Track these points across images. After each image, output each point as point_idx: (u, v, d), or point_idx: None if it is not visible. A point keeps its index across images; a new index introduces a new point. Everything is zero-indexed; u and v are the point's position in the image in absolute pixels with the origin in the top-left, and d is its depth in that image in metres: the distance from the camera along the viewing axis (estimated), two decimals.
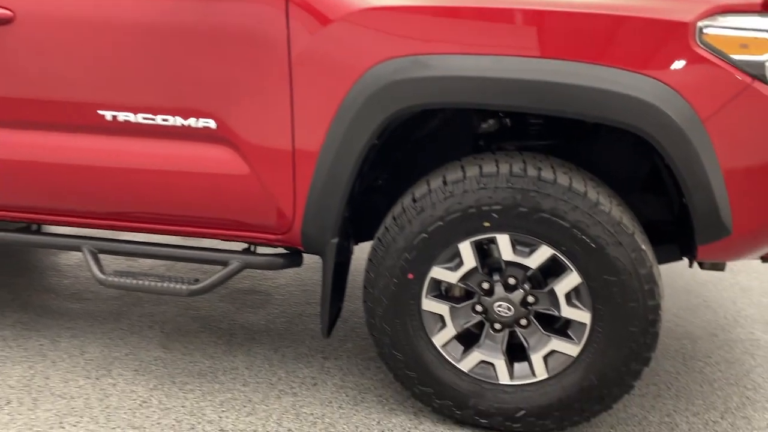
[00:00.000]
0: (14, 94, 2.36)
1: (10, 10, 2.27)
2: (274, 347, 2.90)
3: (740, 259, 2.22)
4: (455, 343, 2.30)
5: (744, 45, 1.88)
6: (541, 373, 2.24)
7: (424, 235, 2.16)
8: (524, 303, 2.20)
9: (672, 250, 2.51)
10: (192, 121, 2.26)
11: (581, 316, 2.16)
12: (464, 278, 2.22)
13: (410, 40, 2.04)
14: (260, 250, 2.56)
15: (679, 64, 1.90)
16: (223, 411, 2.44)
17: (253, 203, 2.33)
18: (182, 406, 2.46)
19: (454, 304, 2.26)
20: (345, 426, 2.37)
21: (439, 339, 2.29)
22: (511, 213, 2.08)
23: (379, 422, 2.39)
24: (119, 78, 2.27)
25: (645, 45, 1.92)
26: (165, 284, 2.45)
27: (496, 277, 2.21)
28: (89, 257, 2.52)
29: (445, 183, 2.15)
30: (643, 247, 2.07)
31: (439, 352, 2.29)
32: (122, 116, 2.29)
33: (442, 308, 2.26)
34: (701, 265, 2.46)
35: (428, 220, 2.15)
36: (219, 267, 2.47)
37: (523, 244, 2.15)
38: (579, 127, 2.45)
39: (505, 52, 1.99)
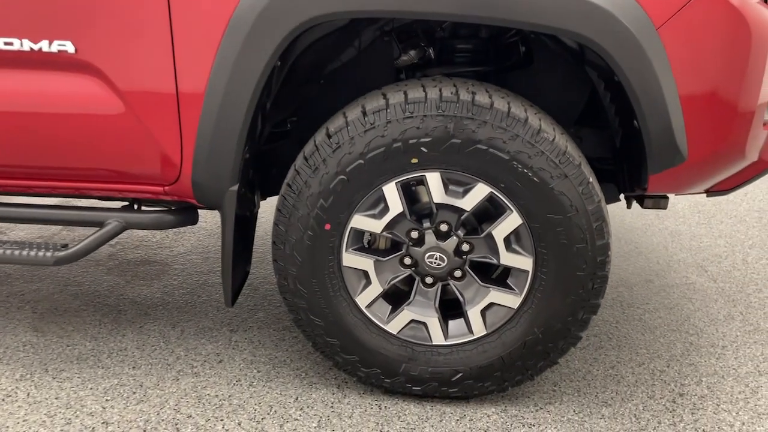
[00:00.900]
0: None
1: None
2: (171, 323, 2.50)
3: (688, 191, 2.03)
4: (381, 302, 2.01)
5: None
6: (479, 330, 1.98)
7: (342, 176, 1.83)
8: (458, 252, 1.92)
9: (610, 190, 2.31)
10: (44, 45, 1.80)
11: (522, 262, 1.90)
12: (390, 227, 1.91)
13: None
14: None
15: None
16: (107, 400, 2.03)
17: (132, 148, 1.92)
18: (56, 398, 2.04)
19: (379, 258, 1.95)
20: (257, 406, 2.02)
21: (363, 299, 1.98)
22: (442, 145, 1.78)
23: (297, 399, 2.06)
24: None
25: None
26: (25, 252, 1.99)
27: (426, 223, 1.92)
28: None
29: (364, 113, 1.82)
30: (591, 179, 1.83)
31: (363, 314, 1.99)
32: None
33: (365, 263, 1.95)
34: (641, 204, 2.26)
35: (346, 159, 1.82)
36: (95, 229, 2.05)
37: (457, 183, 1.86)
38: (509, 55, 2.19)
39: None
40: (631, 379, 2.20)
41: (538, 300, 1.92)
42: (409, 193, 1.92)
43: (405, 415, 2.00)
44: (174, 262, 3.06)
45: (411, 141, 1.79)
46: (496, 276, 2.04)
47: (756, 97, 1.78)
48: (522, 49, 2.17)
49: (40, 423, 1.92)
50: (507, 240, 1.89)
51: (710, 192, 2.11)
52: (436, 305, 1.99)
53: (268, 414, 1.99)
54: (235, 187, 1.90)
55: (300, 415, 1.99)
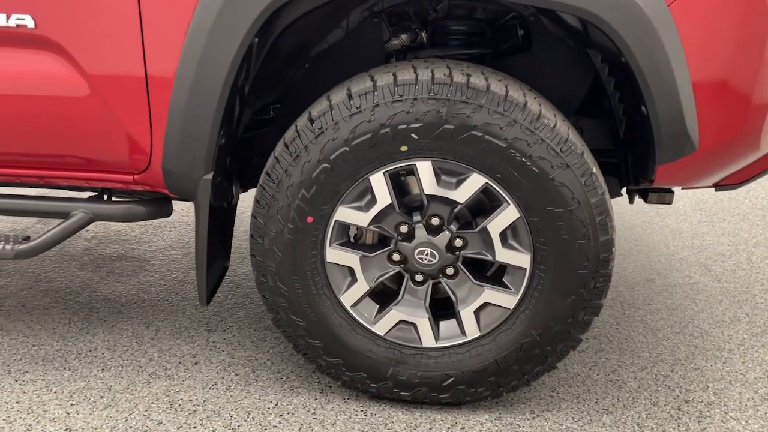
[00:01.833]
0: None
1: None
2: (146, 321, 2.36)
3: (697, 184, 1.89)
4: (368, 301, 1.87)
5: None
6: (473, 332, 1.85)
7: (326, 165, 1.69)
8: (451, 247, 1.79)
9: (612, 184, 2.17)
10: (2, 19, 1.66)
11: (519, 259, 1.77)
12: (377, 220, 1.77)
13: None
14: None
15: None
16: (72, 405, 1.89)
17: (98, 133, 1.78)
18: (17, 402, 1.89)
19: (365, 253, 1.81)
20: (233, 412, 1.88)
21: (348, 297, 1.84)
22: (434, 132, 1.64)
23: (276, 404, 1.92)
24: None
25: None
26: None
27: (416, 217, 1.78)
28: None
29: (350, 96, 1.68)
30: (594, 170, 1.69)
31: (348, 314, 1.85)
32: None
33: (351, 259, 1.81)
34: (645, 198, 2.13)
35: (330, 146, 1.68)
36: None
37: (449, 173, 1.73)
38: (507, 38, 2.05)
39: None
40: (634, 385, 2.07)
41: (536, 300, 1.78)
42: (398, 183, 1.78)
43: (392, 422, 1.86)
44: (152, 257, 2.91)
45: (400, 127, 1.64)
46: (491, 274, 1.92)
47: None
48: (520, 32, 2.03)
49: None
50: (503, 235, 1.75)
51: (719, 186, 1.97)
52: (427, 305, 1.85)
53: (245, 421, 1.85)
54: (210, 176, 1.76)
55: (280, 422, 1.84)
